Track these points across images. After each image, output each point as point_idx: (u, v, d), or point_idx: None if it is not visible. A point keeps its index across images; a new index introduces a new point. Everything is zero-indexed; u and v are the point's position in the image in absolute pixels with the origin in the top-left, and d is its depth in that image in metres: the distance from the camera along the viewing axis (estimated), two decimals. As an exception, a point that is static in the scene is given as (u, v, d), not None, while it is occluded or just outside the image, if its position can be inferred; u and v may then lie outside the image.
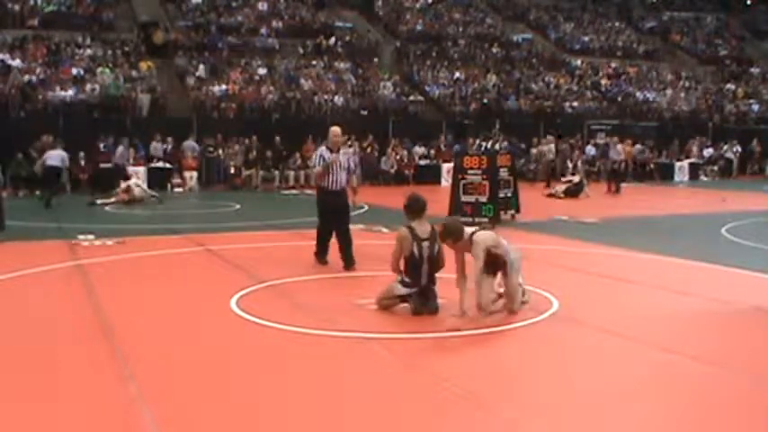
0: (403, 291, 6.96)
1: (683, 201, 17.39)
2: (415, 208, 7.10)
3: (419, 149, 25.59)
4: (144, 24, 28.68)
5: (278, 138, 23.23)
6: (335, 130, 9.59)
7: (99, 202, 17.69)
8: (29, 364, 5.55)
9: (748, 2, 45.46)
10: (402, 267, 6.97)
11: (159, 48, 27.41)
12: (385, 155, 24.46)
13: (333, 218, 9.39)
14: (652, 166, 27.87)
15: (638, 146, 27.89)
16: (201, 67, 25.93)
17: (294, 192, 21.86)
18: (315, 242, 9.65)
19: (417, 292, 6.89)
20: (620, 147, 22.25)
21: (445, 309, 6.89)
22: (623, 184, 21.43)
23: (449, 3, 36.80)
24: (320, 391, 4.98)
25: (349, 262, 9.21)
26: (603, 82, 33.45)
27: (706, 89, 35.26)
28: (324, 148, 9.54)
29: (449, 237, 6.74)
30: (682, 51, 39.36)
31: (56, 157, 17.47)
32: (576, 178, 20.76)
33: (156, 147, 22.32)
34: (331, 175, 9.33)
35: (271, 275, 8.64)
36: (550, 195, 20.00)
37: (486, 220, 13.09)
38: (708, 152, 29.81)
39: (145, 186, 19.29)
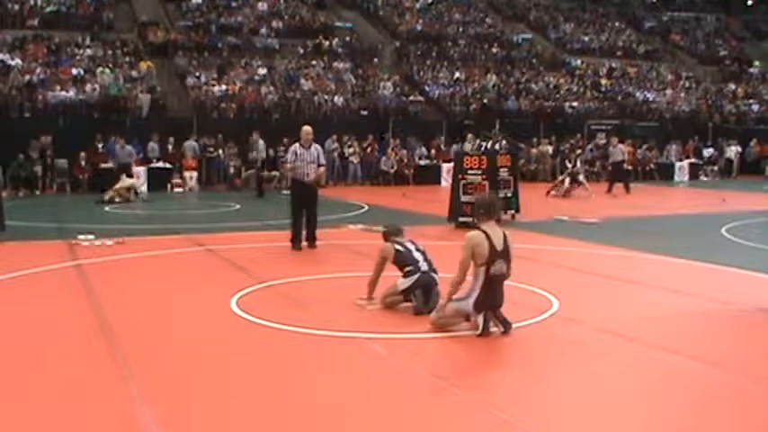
0: (407, 283, 6.99)
1: (683, 201, 17.44)
2: (394, 231, 7.56)
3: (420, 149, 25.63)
4: (144, 24, 28.67)
5: (285, 139, 23.21)
6: (307, 129, 10.95)
7: (106, 198, 17.85)
8: (29, 364, 5.55)
9: (749, 2, 45.46)
10: (401, 272, 7.12)
11: (159, 48, 27.39)
12: (385, 155, 24.47)
13: (303, 205, 10.81)
14: (652, 165, 27.89)
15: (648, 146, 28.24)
16: (203, 74, 25.76)
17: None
18: (291, 232, 10.91)
19: (421, 284, 6.90)
20: (621, 147, 22.24)
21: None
22: (617, 184, 21.42)
23: (449, 3, 36.80)
24: (320, 391, 4.98)
25: (312, 241, 10.83)
26: (603, 82, 33.45)
27: (706, 89, 35.26)
28: (297, 144, 10.90)
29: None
30: (682, 51, 39.35)
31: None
32: (576, 179, 20.77)
33: (154, 147, 22.27)
34: (302, 169, 10.71)
35: (271, 275, 8.64)
36: (548, 194, 20.19)
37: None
38: (708, 152, 29.83)
39: (138, 183, 19.41)
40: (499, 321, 6.27)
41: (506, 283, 8.19)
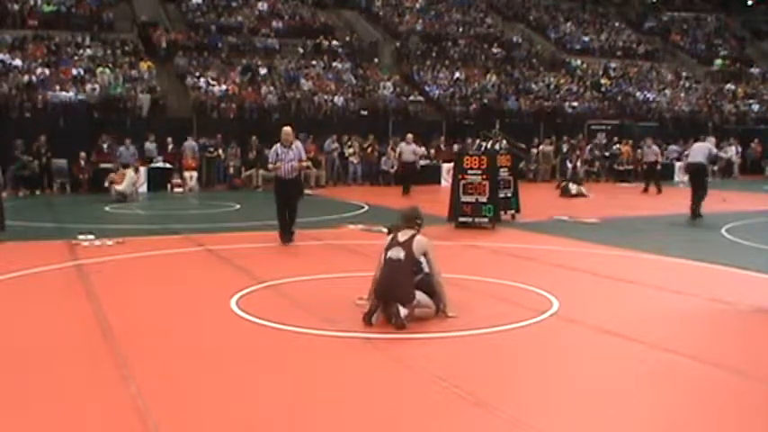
0: None
1: (682, 201, 17.36)
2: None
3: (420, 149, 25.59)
4: (144, 24, 28.67)
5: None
6: (286, 129, 11.64)
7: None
8: (29, 364, 5.55)
9: (748, 2, 45.47)
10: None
11: (159, 48, 27.37)
12: (385, 155, 24.46)
13: (285, 200, 11.47)
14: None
15: (674, 146, 28.45)
16: (203, 79, 25.75)
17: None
18: (279, 228, 11.53)
19: (422, 286, 6.88)
20: (655, 147, 22.34)
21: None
22: (629, 184, 21.47)
23: (449, 3, 36.80)
24: (320, 391, 4.98)
25: (289, 235, 11.45)
26: (603, 82, 33.46)
27: (706, 89, 35.27)
28: (278, 145, 11.53)
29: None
30: (682, 51, 39.36)
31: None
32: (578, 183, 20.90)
33: (149, 147, 22.23)
34: (284, 167, 11.36)
35: (271, 275, 8.64)
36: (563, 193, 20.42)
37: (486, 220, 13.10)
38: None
39: (132, 183, 19.40)
40: (393, 315, 6.42)
41: (506, 283, 8.21)
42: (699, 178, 15.21)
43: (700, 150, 15.29)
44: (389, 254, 6.73)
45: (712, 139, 16.41)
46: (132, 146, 21.23)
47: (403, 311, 6.42)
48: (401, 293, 6.51)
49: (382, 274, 6.68)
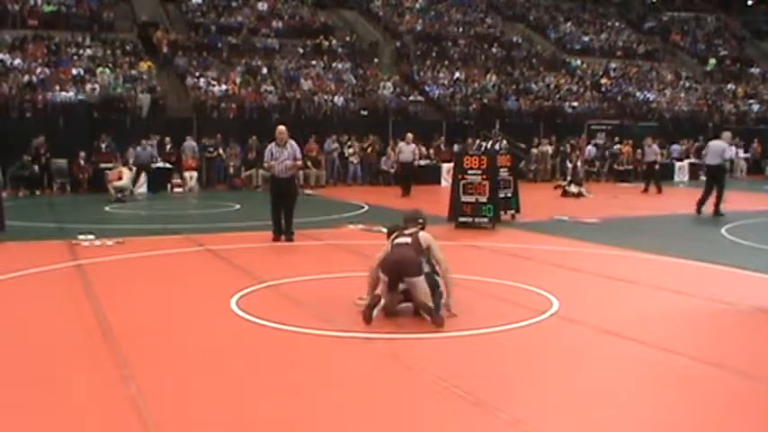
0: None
1: (683, 201, 17.41)
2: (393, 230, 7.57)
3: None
4: (144, 24, 28.66)
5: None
6: (281, 128, 11.71)
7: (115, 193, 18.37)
8: (29, 364, 5.55)
9: (748, 2, 45.46)
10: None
11: (159, 48, 27.38)
12: (385, 155, 24.46)
13: (280, 198, 11.61)
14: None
15: (676, 146, 28.67)
16: (203, 79, 25.74)
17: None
18: (273, 227, 11.69)
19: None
20: (655, 147, 22.35)
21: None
22: (629, 184, 21.43)
23: (449, 3, 36.80)
24: (320, 392, 4.99)
25: (288, 234, 11.54)
26: (603, 82, 33.46)
27: (706, 89, 35.26)
28: (273, 144, 11.64)
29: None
30: (682, 51, 39.36)
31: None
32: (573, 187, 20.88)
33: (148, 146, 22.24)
34: (278, 166, 11.49)
35: (271, 275, 8.64)
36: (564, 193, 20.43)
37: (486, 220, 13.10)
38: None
39: (129, 182, 19.35)
40: (426, 311, 6.51)
41: (506, 283, 8.21)
42: (716, 179, 15.54)
43: (716, 151, 15.66)
44: (396, 241, 6.94)
45: (728, 135, 16.62)
46: (150, 146, 21.22)
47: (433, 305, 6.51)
48: (409, 267, 6.65)
49: (390, 253, 6.84)
